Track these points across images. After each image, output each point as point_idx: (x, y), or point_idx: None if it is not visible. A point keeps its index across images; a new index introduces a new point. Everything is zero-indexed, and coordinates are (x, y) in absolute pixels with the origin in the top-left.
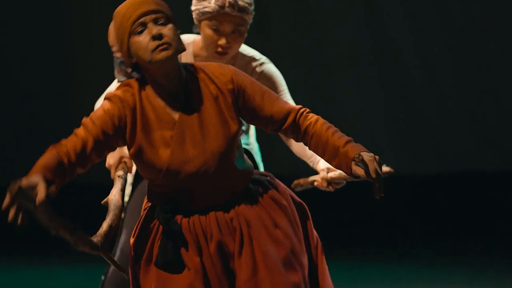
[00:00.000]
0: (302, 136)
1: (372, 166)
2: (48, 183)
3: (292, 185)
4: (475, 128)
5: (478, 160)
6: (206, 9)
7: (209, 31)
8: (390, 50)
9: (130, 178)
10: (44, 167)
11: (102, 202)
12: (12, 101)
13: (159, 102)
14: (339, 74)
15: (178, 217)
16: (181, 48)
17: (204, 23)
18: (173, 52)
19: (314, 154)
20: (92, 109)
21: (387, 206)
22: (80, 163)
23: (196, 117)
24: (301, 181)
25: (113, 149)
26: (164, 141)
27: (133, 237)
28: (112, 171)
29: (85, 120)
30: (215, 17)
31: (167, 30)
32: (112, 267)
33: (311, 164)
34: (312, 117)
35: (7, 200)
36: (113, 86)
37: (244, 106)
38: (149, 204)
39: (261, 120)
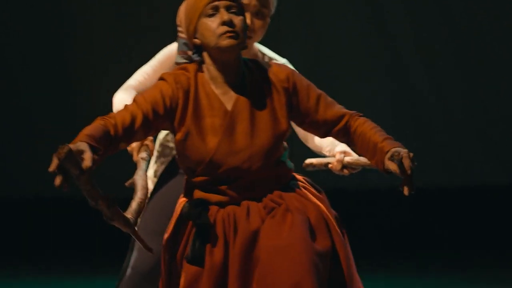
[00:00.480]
0: (352, 137)
1: (407, 162)
2: (93, 151)
3: (304, 165)
4: (481, 139)
5: (486, 174)
6: None
7: None
8: (392, 48)
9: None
10: (90, 136)
11: (126, 184)
12: (12, 101)
13: (214, 90)
14: (340, 70)
15: (214, 208)
16: (245, 44)
17: None
18: (239, 42)
19: (331, 144)
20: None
21: (394, 219)
22: (126, 138)
23: (248, 110)
24: (314, 161)
25: (158, 132)
26: (213, 129)
27: (166, 233)
28: (134, 153)
29: (137, 96)
30: None
31: (238, 20)
32: (123, 280)
33: (328, 154)
34: (362, 119)
35: (54, 163)
36: (132, 79)
37: (297, 107)
38: (184, 200)
39: (313, 124)
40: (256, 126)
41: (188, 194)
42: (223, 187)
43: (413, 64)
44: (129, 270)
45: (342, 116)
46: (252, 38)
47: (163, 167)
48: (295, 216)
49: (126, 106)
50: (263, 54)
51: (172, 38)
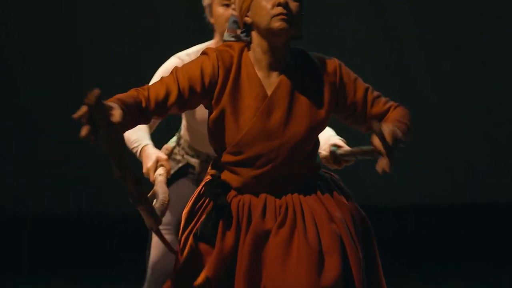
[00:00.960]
0: None
1: (389, 137)
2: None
3: None
4: (486, 140)
5: (496, 190)
6: None
7: (221, 8)
8: (396, 49)
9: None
10: (120, 100)
11: (148, 195)
12: (12, 101)
13: (257, 72)
14: None
15: (232, 193)
16: (298, 30)
17: (215, 1)
18: (291, 26)
19: (326, 141)
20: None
21: (401, 236)
22: (158, 112)
23: (287, 98)
24: None
25: (194, 107)
26: (249, 111)
27: (186, 207)
28: (151, 174)
29: (176, 69)
30: None
31: (294, 5)
32: (147, 282)
33: (324, 152)
34: (398, 108)
35: (82, 109)
36: (167, 64)
37: (344, 100)
38: (209, 178)
39: (358, 118)
40: (292, 116)
41: (215, 169)
42: (247, 172)
43: (416, 64)
44: (149, 271)
45: (387, 111)
46: None
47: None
48: (302, 245)
49: (162, 78)
50: None
51: (172, 38)
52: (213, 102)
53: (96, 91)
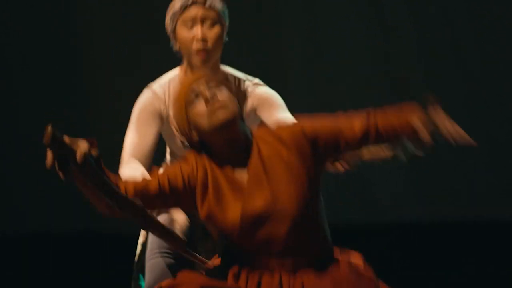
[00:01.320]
0: (382, 137)
1: (444, 123)
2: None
3: None
4: (487, 141)
5: (496, 190)
6: (176, 6)
7: (184, 30)
8: (395, 48)
9: None
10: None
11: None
12: (12, 101)
13: (229, 166)
14: (341, 70)
15: (243, 270)
16: (238, 111)
17: (178, 24)
18: (231, 112)
19: None
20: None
21: (402, 254)
22: (143, 202)
23: (264, 179)
24: None
25: (180, 205)
26: (234, 204)
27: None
28: None
29: (156, 167)
30: (186, 8)
31: (222, 93)
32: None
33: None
34: (374, 116)
35: (49, 154)
36: (125, 154)
37: (328, 146)
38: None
39: (351, 144)
40: (276, 191)
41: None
42: (255, 253)
43: (416, 64)
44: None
45: (368, 116)
46: (209, 53)
47: None
48: None
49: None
50: (234, 76)
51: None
52: (198, 203)
53: (48, 129)
